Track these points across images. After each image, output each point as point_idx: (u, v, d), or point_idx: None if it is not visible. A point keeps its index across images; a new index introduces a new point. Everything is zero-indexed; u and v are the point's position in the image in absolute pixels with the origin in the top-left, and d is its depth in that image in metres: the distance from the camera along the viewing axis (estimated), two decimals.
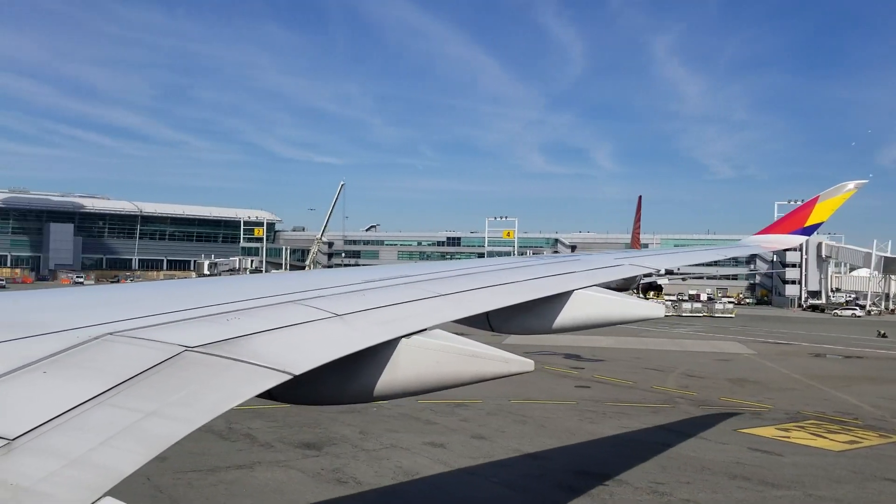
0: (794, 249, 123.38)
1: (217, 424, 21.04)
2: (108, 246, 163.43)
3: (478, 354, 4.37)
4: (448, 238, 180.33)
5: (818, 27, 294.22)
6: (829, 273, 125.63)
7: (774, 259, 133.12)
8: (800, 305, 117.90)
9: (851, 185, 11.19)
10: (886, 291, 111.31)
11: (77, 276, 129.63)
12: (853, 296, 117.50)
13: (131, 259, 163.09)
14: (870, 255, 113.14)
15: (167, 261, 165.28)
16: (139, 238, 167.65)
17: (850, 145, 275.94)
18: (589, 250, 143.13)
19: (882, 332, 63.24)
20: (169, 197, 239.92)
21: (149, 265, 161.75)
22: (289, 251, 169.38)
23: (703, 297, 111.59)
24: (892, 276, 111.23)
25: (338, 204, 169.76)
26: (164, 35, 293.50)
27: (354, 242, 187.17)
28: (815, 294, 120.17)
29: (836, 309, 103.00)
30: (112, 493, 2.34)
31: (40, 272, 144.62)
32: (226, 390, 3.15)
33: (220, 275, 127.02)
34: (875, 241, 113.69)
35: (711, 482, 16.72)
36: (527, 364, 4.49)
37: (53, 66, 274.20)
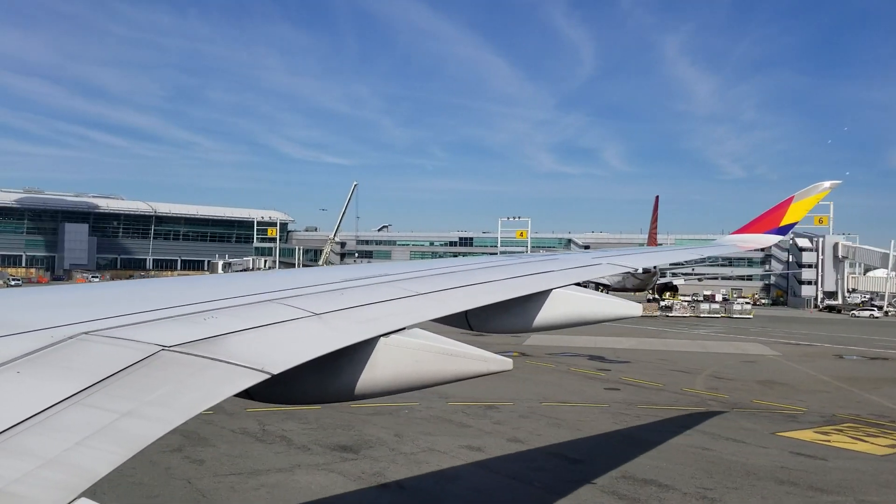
0: (811, 249, 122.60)
1: (251, 426, 20.91)
2: (123, 246, 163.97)
3: (456, 353, 4.34)
4: (460, 238, 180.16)
5: (829, 26, 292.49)
6: (846, 274, 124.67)
7: (790, 259, 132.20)
8: (816, 306, 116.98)
9: (826, 184, 11.28)
10: None
11: (92, 276, 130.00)
12: (869, 296, 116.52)
13: (146, 259, 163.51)
14: (887, 255, 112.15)
15: (181, 261, 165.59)
16: (153, 238, 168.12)
17: (857, 145, 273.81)
18: (606, 251, 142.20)
19: None
20: (180, 197, 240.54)
21: (163, 265, 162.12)
22: (302, 251, 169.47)
23: (718, 297, 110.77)
24: None
25: (350, 204, 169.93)
26: (174, 36, 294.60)
27: (367, 242, 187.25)
28: (831, 295, 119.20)
29: (853, 310, 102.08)
30: (88, 493, 2.31)
31: (55, 272, 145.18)
32: (203, 390, 3.13)
33: None
34: (893, 242, 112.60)
35: (759, 487, 16.41)
36: (505, 363, 4.48)
37: (64, 68, 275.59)
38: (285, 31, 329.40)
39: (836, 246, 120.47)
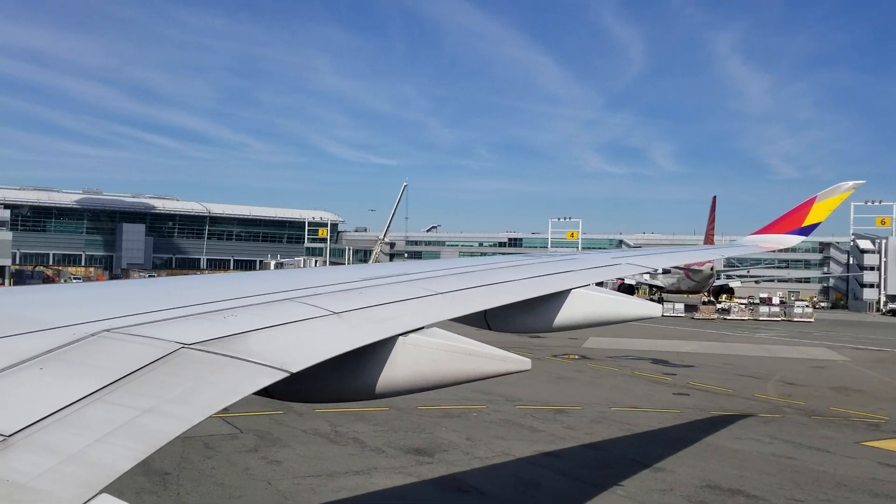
0: (873, 251, 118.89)
1: (322, 427, 20.89)
2: (178, 246, 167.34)
3: (475, 353, 4.35)
4: (509, 239, 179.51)
5: (885, 23, 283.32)
6: None
7: (851, 261, 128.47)
8: (878, 310, 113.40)
9: (849, 185, 11.15)
10: None
11: (149, 276, 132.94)
12: None
13: (200, 259, 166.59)
14: None
15: (234, 260, 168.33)
16: (207, 238, 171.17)
17: None
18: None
19: None
20: (232, 198, 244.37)
21: (216, 265, 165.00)
22: (352, 251, 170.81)
23: (775, 300, 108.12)
24: None
25: (400, 204, 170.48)
26: (226, 39, 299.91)
27: (416, 243, 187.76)
28: (894, 298, 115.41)
29: None
30: (109, 489, 2.32)
31: (113, 271, 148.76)
32: (223, 388, 3.15)
33: None
34: None
35: (853, 500, 15.74)
36: (524, 363, 4.49)
37: (121, 71, 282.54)
38: (334, 33, 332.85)
39: None
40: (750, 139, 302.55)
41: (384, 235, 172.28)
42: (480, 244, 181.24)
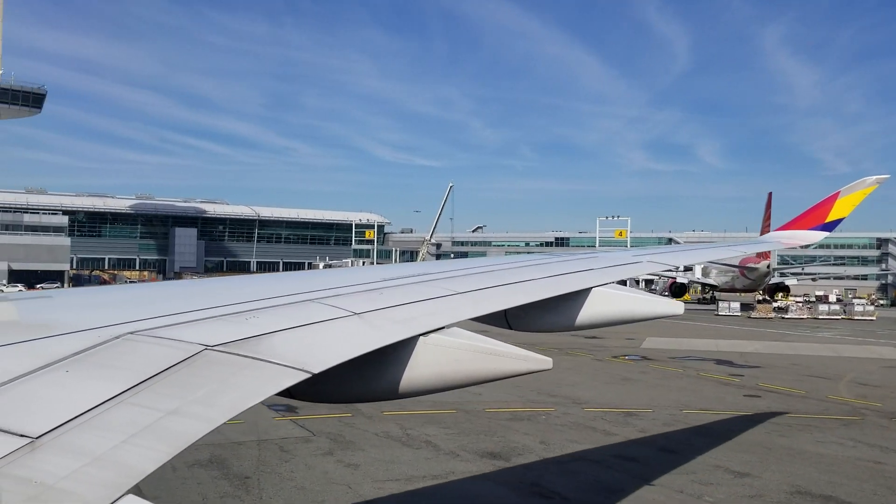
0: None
1: (393, 430, 20.81)
2: (228, 249, 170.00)
3: (496, 352, 4.34)
4: (556, 238, 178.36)
5: None
6: None
7: None
8: None
9: (872, 179, 11.06)
10: None
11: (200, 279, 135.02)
12: None
13: (250, 261, 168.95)
14: None
15: (283, 263, 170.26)
16: (257, 241, 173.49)
17: None
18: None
19: None
20: (278, 201, 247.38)
21: (266, 267, 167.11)
22: (398, 253, 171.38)
23: (832, 298, 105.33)
24: None
25: (446, 205, 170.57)
26: (270, 45, 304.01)
27: (462, 244, 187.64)
28: None
29: None
30: (134, 490, 2.34)
31: (166, 275, 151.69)
32: (246, 389, 3.18)
33: None
34: None
35: None
36: (545, 362, 4.47)
37: (169, 78, 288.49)
38: (376, 35, 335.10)
39: None
40: (800, 134, 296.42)
41: (430, 236, 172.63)
42: (527, 244, 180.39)
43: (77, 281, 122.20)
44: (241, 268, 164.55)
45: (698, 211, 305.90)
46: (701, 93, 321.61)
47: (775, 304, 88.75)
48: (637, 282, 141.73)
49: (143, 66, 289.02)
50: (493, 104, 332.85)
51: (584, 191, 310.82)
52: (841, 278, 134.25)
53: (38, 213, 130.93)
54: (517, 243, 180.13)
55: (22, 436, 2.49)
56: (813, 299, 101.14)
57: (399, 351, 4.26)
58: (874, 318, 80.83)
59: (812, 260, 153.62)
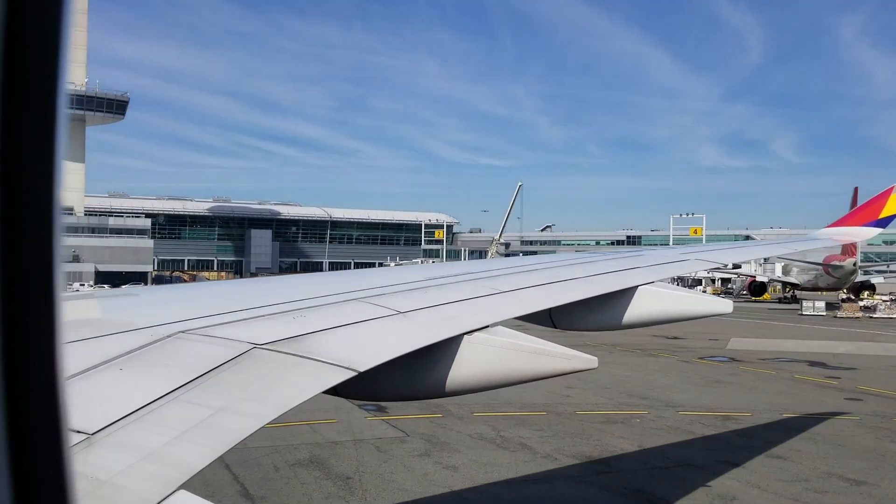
0: None
1: (486, 432, 20.64)
2: (302, 250, 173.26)
3: (541, 351, 4.33)
4: (628, 237, 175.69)
5: None
6: None
7: None
8: None
9: None
10: None
11: None
12: None
13: (322, 262, 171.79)
14: None
15: (354, 263, 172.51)
16: (329, 242, 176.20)
17: None
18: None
19: None
20: (347, 202, 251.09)
21: (338, 267, 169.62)
22: (467, 252, 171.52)
23: None
24: None
25: (514, 204, 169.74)
26: (340, 48, 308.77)
27: (531, 243, 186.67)
28: None
29: None
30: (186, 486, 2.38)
31: (243, 275, 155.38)
32: (294, 387, 3.23)
33: None
34: None
35: None
36: (590, 361, 4.44)
37: (243, 84, 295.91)
38: (444, 37, 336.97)
39: None
40: (880, 126, 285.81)
41: (499, 236, 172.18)
42: (597, 242, 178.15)
43: (159, 281, 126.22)
44: (315, 268, 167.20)
45: (776, 207, 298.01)
46: (775, 86, 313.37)
47: (862, 304, 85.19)
48: (713, 280, 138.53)
49: (219, 72, 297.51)
50: (560, 102, 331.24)
51: (654, 188, 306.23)
52: None
53: (121, 216, 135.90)
54: (587, 242, 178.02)
55: (78, 432, 2.53)
56: None
57: (443, 349, 4.25)
58: None
59: (800, 254, 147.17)
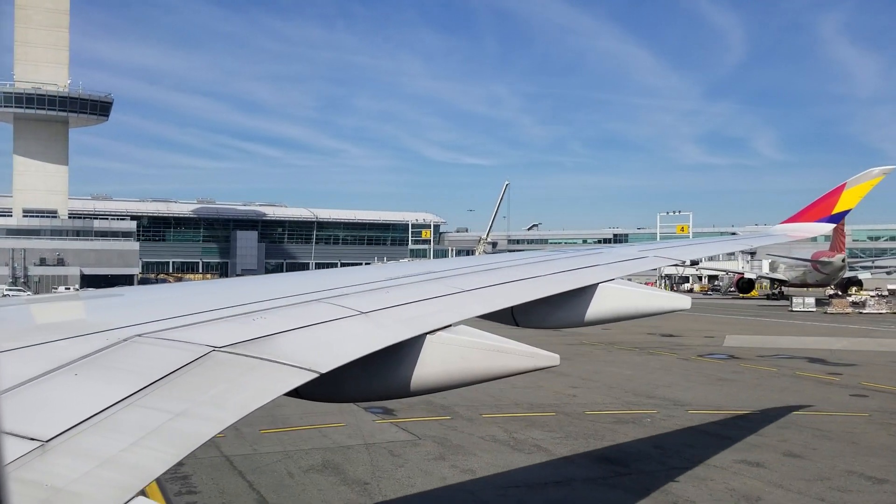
0: None
1: (498, 434, 20.39)
2: (288, 251, 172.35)
3: (503, 349, 4.31)
4: (614, 235, 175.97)
5: None
6: None
7: None
8: None
9: (878, 171, 11.04)
10: None
11: None
12: None
13: (309, 263, 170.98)
14: None
15: (341, 264, 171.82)
16: (315, 243, 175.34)
17: None
18: (771, 245, 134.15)
19: None
20: (333, 203, 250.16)
21: (325, 268, 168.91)
22: (454, 252, 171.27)
23: None
24: None
25: (501, 204, 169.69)
26: (323, 48, 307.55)
27: (518, 242, 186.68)
28: None
29: None
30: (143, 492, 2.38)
31: (229, 277, 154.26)
32: (254, 390, 3.18)
33: None
34: None
35: None
36: (552, 359, 4.43)
37: (224, 84, 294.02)
38: (427, 36, 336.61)
39: None
40: (860, 123, 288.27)
41: (487, 235, 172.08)
42: (584, 241, 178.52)
43: (144, 285, 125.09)
44: (301, 269, 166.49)
45: (759, 204, 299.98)
46: (757, 84, 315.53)
47: (851, 299, 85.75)
48: (700, 278, 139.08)
49: (201, 73, 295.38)
50: (543, 101, 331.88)
51: (638, 186, 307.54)
52: None
53: (107, 218, 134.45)
54: (574, 240, 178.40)
55: (32, 439, 2.49)
56: (885, 293, 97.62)
57: (406, 349, 4.23)
58: None
59: (882, 253, 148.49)
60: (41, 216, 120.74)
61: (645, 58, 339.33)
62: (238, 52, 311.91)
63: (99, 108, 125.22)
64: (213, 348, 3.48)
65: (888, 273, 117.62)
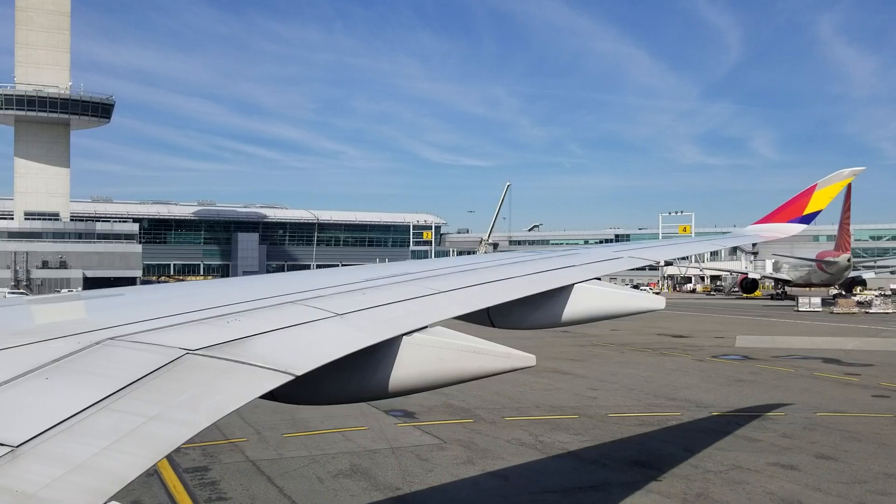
0: None
1: (524, 437, 20.16)
2: (289, 253, 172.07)
3: (480, 350, 4.34)
4: (616, 235, 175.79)
5: None
6: None
7: None
8: None
9: (848, 172, 11.24)
10: None
11: None
12: None
13: (310, 265, 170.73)
14: None
15: (342, 265, 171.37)
16: (316, 244, 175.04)
17: None
18: (774, 245, 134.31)
19: None
20: (333, 204, 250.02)
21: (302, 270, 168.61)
22: (455, 253, 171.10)
23: None
24: None
25: (502, 205, 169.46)
26: (321, 51, 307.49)
27: (519, 243, 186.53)
28: None
29: None
30: (117, 497, 2.37)
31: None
32: (228, 392, 3.17)
33: None
34: None
35: None
36: (529, 359, 4.45)
37: (223, 87, 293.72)
38: (425, 38, 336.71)
39: None
40: (858, 123, 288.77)
41: (488, 236, 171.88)
42: (585, 241, 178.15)
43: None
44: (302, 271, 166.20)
45: (758, 204, 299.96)
46: (754, 84, 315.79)
47: (857, 299, 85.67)
48: (702, 279, 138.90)
49: (199, 75, 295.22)
50: (541, 102, 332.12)
51: (637, 186, 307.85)
52: None
53: (109, 221, 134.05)
54: (575, 241, 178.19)
55: (2, 444, 2.46)
56: (888, 293, 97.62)
57: (383, 351, 4.24)
58: None
59: (884, 252, 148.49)
60: (43, 219, 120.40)
61: (642, 58, 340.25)
62: (237, 54, 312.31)
63: (101, 109, 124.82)
64: (187, 351, 3.45)
65: (892, 273, 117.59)
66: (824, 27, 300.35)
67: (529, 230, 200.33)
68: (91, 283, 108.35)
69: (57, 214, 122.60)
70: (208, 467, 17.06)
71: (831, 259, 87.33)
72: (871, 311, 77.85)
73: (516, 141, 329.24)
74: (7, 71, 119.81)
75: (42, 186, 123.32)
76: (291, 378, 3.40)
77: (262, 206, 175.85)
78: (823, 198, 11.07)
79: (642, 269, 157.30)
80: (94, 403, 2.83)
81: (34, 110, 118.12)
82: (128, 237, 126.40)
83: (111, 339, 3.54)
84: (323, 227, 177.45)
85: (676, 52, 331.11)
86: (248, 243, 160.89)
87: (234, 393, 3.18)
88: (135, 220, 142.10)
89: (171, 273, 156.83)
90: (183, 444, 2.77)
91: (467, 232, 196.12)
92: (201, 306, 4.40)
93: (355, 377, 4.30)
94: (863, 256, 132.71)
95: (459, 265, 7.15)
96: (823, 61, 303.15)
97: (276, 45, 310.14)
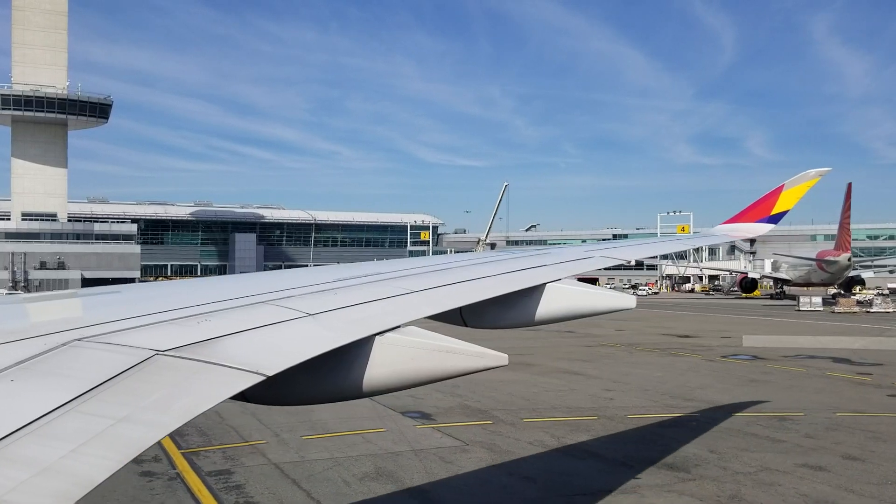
0: None
1: (547, 440, 19.98)
2: (286, 253, 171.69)
3: (452, 350, 4.34)
4: (614, 235, 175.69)
5: None
6: None
7: None
8: None
9: (814, 172, 11.35)
10: None
11: None
12: None
13: (307, 265, 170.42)
14: None
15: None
16: (314, 245, 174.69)
17: None
18: (772, 245, 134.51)
19: None
20: (329, 205, 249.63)
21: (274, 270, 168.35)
22: (453, 253, 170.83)
23: None
24: None
25: (500, 205, 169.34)
26: (317, 51, 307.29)
27: (517, 243, 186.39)
28: None
29: None
30: (84, 500, 2.33)
31: None
32: (198, 394, 3.13)
33: None
34: None
35: None
36: (501, 358, 4.48)
37: (219, 87, 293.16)
38: (421, 38, 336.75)
39: None
40: (851, 123, 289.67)
41: (486, 236, 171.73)
42: (583, 241, 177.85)
43: None
44: None
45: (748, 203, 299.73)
46: (749, 84, 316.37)
47: (857, 298, 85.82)
48: (701, 278, 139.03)
49: (194, 76, 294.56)
50: (536, 102, 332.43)
51: (632, 186, 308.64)
52: None
53: (107, 221, 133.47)
54: (573, 241, 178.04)
55: None
56: (886, 292, 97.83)
57: (355, 351, 4.22)
58: None
59: (882, 252, 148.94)
60: (40, 219, 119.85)
61: (637, 58, 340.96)
62: (232, 54, 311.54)
63: (98, 110, 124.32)
64: (156, 352, 3.41)
65: (891, 272, 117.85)
66: (818, 27, 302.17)
67: (527, 230, 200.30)
68: (90, 284, 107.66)
69: (54, 215, 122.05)
70: (231, 470, 16.83)
71: (832, 258, 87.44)
72: (871, 310, 77.97)
73: (512, 141, 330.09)
74: (4, 71, 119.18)
75: (39, 187, 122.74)
76: (263, 378, 3.36)
77: (259, 207, 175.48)
78: (791, 198, 11.20)
79: (641, 269, 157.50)
80: (61, 405, 2.79)
81: (31, 110, 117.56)
82: (126, 238, 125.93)
83: (79, 339, 3.48)
84: (320, 227, 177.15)
85: (671, 52, 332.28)
86: (245, 244, 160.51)
87: (204, 394, 3.14)
88: (132, 221, 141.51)
89: (169, 274, 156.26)
90: (151, 445, 2.74)
91: (464, 232, 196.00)
92: (172, 306, 4.35)
93: (328, 377, 4.27)
94: (860, 256, 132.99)
95: (432, 265, 7.17)
96: (817, 61, 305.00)
97: (271, 46, 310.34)
